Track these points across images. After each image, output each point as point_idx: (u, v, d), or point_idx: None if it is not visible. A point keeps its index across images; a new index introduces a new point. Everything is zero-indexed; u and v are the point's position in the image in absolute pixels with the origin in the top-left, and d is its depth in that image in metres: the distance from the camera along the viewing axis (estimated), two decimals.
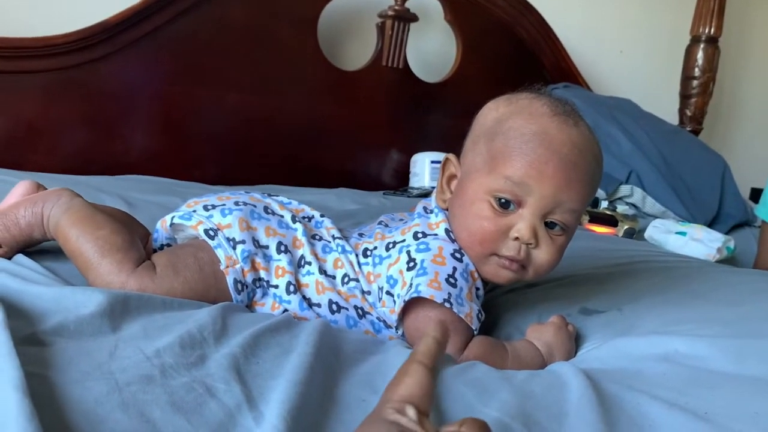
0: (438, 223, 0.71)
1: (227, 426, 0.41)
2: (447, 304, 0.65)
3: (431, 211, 0.73)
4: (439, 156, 1.63)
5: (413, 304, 0.66)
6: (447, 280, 0.66)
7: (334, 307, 0.70)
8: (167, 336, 0.50)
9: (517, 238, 0.66)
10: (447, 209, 0.72)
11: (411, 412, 0.35)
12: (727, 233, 1.51)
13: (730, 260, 1.28)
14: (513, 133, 0.66)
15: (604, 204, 1.63)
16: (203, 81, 1.54)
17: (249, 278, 0.69)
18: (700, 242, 1.27)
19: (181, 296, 0.65)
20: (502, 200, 0.66)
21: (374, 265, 0.71)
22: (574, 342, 0.72)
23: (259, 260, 0.69)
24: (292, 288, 0.70)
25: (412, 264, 0.68)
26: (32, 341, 0.46)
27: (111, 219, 0.70)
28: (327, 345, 0.57)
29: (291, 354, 0.52)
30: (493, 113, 0.70)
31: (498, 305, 0.81)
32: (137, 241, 0.70)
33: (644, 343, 0.66)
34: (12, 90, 1.35)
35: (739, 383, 0.56)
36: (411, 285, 0.66)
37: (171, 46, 1.49)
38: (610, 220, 1.44)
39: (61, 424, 0.37)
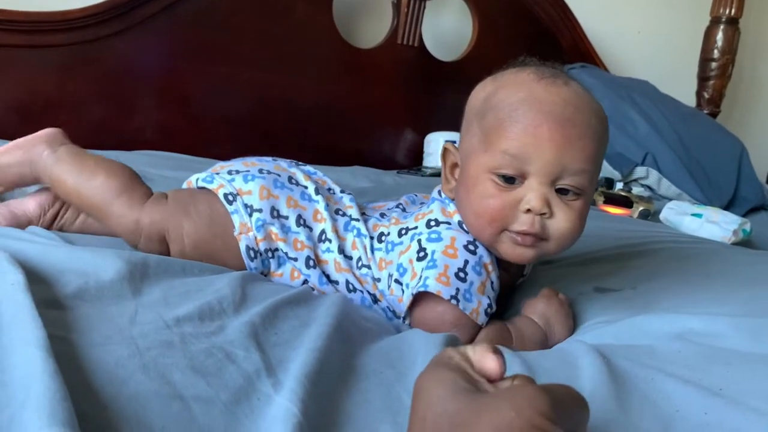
0: (453, 212, 0.69)
1: (246, 390, 0.41)
2: (453, 301, 0.63)
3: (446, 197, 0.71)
4: (454, 136, 1.62)
5: (421, 295, 0.65)
6: (456, 275, 0.64)
7: (351, 287, 0.70)
8: (187, 304, 0.51)
9: (528, 210, 0.62)
10: (455, 199, 0.70)
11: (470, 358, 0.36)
12: (743, 217, 1.50)
13: (746, 243, 1.27)
14: (501, 105, 0.63)
15: (619, 185, 1.62)
16: (218, 58, 1.54)
17: (262, 246, 0.69)
18: (715, 224, 1.26)
19: (187, 236, 0.69)
20: (505, 176, 0.63)
21: (387, 251, 0.70)
22: (570, 310, 0.71)
23: (275, 230, 0.70)
24: (311, 263, 0.70)
25: (422, 254, 0.66)
26: (54, 305, 0.47)
27: (102, 162, 0.73)
28: (346, 319, 0.57)
29: (309, 326, 0.53)
30: (480, 93, 0.68)
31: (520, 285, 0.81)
32: (136, 177, 0.74)
33: (659, 321, 0.66)
34: (28, 64, 1.35)
35: (754, 361, 0.56)
36: (420, 277, 0.65)
37: (186, 22, 1.48)
38: (625, 202, 1.43)
39: (83, 384, 0.38)
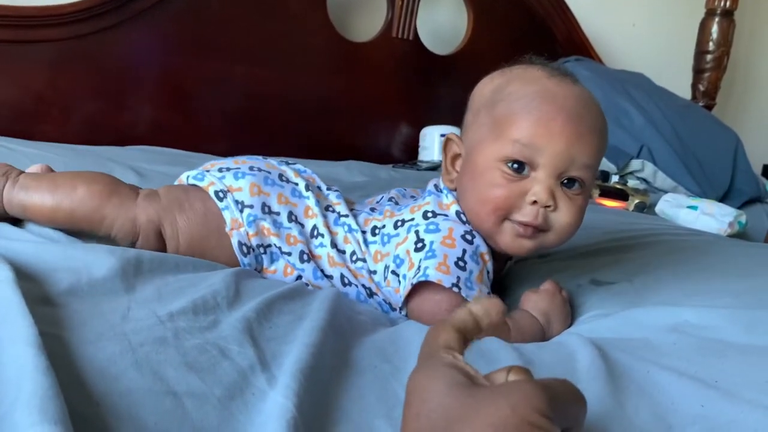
0: (449, 204, 0.70)
1: (240, 386, 0.41)
2: (455, 289, 0.64)
3: (441, 191, 0.72)
4: (449, 129, 1.61)
5: (420, 285, 0.65)
6: (456, 264, 0.65)
7: (345, 280, 0.70)
8: (180, 300, 0.51)
9: (534, 202, 0.63)
10: (455, 189, 0.70)
11: (461, 358, 0.36)
12: (738, 209, 1.50)
13: (741, 235, 1.27)
14: (514, 95, 0.65)
15: (615, 178, 1.62)
16: (212, 53, 1.53)
17: (254, 242, 0.69)
18: (711, 216, 1.27)
19: (181, 233, 0.69)
20: (515, 165, 0.63)
21: (383, 243, 0.70)
22: (569, 307, 0.71)
23: (267, 225, 0.70)
24: (305, 257, 0.70)
25: (420, 245, 0.66)
26: (45, 302, 0.47)
27: (74, 174, 0.71)
28: (340, 313, 0.57)
29: (304, 320, 0.53)
30: (489, 85, 0.69)
31: (508, 276, 0.81)
32: (116, 178, 0.72)
33: (655, 313, 0.66)
34: (21, 60, 1.34)
35: (749, 353, 0.56)
36: (419, 267, 0.65)
37: (179, 17, 1.48)
38: (621, 194, 1.43)
39: (75, 381, 0.37)
